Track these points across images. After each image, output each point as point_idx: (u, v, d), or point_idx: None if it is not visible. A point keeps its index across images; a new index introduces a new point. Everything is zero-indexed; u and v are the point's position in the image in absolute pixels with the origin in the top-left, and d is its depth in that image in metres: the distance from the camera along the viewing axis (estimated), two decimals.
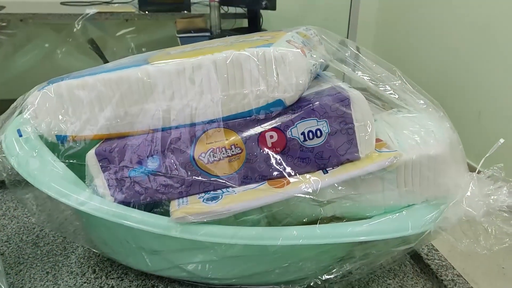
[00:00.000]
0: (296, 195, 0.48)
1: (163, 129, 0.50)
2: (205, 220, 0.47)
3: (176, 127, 0.49)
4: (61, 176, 0.49)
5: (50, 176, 0.49)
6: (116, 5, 2.75)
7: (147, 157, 0.49)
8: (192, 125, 0.49)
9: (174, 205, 0.49)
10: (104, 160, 0.49)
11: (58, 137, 0.52)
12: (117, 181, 0.49)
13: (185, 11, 2.47)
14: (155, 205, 0.53)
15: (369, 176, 0.49)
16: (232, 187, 0.50)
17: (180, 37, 2.34)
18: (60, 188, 0.48)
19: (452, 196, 0.50)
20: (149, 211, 0.49)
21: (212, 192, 0.50)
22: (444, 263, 0.61)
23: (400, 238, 0.50)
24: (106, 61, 2.13)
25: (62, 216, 0.57)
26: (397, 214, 0.50)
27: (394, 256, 0.54)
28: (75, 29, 2.22)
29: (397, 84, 0.56)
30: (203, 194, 0.50)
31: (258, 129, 0.48)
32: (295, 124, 0.48)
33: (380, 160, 0.49)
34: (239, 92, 0.47)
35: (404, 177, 0.50)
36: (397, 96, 0.54)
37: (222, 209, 0.47)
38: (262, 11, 2.27)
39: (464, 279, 0.59)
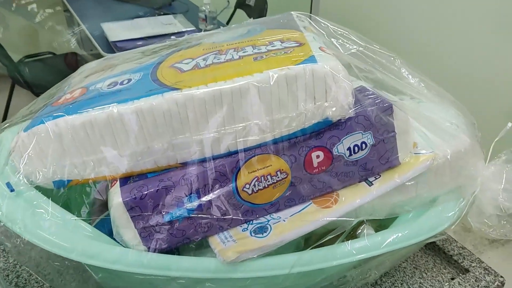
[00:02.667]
0: (347, 212, 0.46)
1: (193, 162, 0.43)
2: (255, 256, 0.44)
3: (212, 158, 0.43)
4: (88, 236, 0.41)
5: (72, 239, 0.41)
6: None
7: (185, 196, 0.43)
8: (231, 153, 0.43)
9: (216, 243, 0.44)
10: (135, 208, 0.42)
11: (57, 183, 0.44)
12: (151, 229, 0.43)
13: None
14: None
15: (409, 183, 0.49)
16: (276, 213, 0.46)
17: None
18: (89, 249, 0.41)
19: (476, 184, 0.51)
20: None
21: (255, 221, 0.46)
22: (445, 237, 0.65)
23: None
24: None
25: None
26: (432, 211, 0.50)
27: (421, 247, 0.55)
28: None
29: (402, 72, 0.55)
30: (245, 225, 0.46)
31: (303, 151, 0.44)
32: (341, 140, 0.45)
33: (418, 164, 0.48)
34: (285, 116, 0.42)
35: (436, 175, 0.51)
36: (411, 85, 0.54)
37: (276, 241, 0.44)
38: None
39: (469, 250, 0.63)
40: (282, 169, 0.44)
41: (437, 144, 0.50)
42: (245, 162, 0.43)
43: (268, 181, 0.44)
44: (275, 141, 0.43)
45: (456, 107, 0.53)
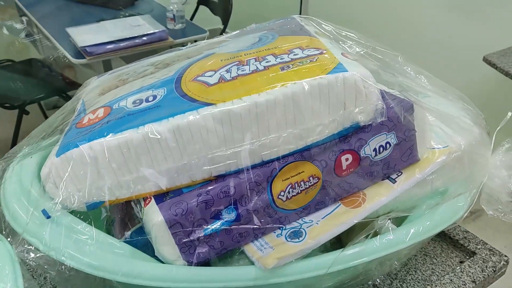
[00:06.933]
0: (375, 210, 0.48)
1: (228, 174, 0.44)
2: (293, 260, 0.45)
3: (247, 168, 0.44)
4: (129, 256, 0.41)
5: (116, 261, 0.41)
6: None
7: (224, 208, 0.43)
8: (265, 163, 0.44)
9: (253, 251, 0.45)
10: (176, 225, 0.42)
11: (90, 205, 0.43)
12: (191, 243, 0.43)
13: None
14: None
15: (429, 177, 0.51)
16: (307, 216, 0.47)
17: None
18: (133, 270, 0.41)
19: (484, 172, 0.54)
20: None
21: (288, 226, 0.47)
22: None
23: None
24: None
25: None
26: (450, 203, 0.53)
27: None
28: None
29: (407, 70, 0.57)
30: (279, 231, 0.47)
31: (333, 155, 0.46)
32: (368, 142, 0.47)
33: (436, 159, 0.51)
34: (318, 124, 0.43)
35: (449, 167, 0.53)
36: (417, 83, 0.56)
37: (312, 244, 0.45)
38: None
39: (473, 234, 0.66)
40: (314, 174, 0.46)
41: (450, 137, 0.53)
42: (279, 170, 0.44)
43: (301, 187, 0.45)
44: (307, 148, 0.45)
45: (462, 100, 0.56)
